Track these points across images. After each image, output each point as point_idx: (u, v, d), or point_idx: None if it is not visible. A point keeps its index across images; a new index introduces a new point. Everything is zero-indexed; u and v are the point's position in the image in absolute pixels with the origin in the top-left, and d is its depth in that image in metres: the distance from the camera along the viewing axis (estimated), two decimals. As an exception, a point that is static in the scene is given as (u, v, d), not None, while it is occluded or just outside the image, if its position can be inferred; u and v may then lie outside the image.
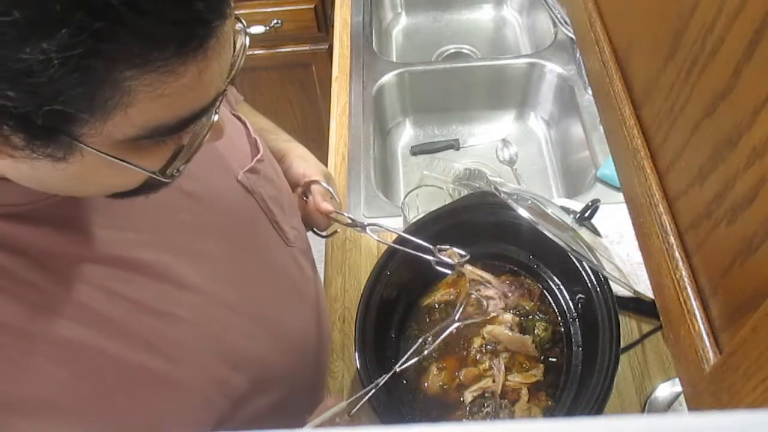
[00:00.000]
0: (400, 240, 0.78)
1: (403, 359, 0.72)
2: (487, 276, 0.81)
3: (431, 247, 0.74)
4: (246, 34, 0.45)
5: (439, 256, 0.73)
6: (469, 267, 0.76)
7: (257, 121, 0.86)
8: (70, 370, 0.47)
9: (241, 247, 0.65)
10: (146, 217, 0.54)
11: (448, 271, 0.74)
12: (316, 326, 0.81)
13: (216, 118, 0.44)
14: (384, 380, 0.69)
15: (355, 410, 0.67)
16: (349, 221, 0.78)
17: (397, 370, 0.71)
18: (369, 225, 0.76)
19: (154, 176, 0.42)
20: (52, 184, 0.42)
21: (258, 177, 0.69)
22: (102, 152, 0.38)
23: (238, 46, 0.44)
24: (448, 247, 0.75)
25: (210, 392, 0.58)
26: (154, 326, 0.53)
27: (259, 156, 0.70)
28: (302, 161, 0.83)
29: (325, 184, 0.80)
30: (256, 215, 0.69)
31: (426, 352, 0.72)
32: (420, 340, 0.73)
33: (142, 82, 0.35)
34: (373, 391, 0.67)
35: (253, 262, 0.67)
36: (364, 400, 0.67)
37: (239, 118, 0.73)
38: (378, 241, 0.77)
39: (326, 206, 0.78)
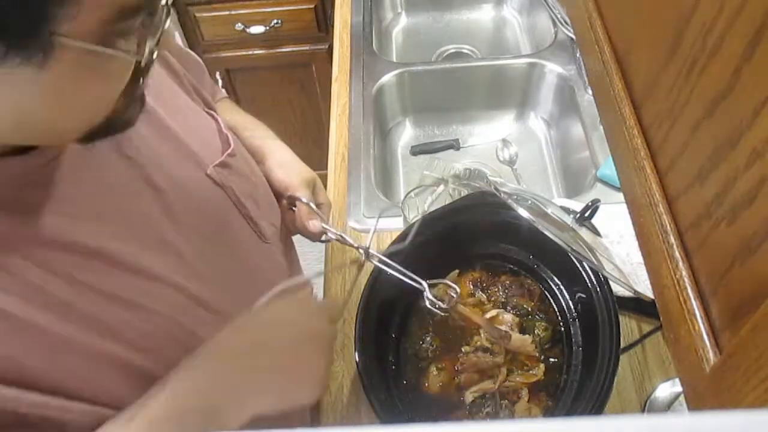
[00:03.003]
0: (390, 266, 0.76)
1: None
2: (477, 319, 0.81)
3: (423, 282, 0.73)
4: None
5: (430, 295, 0.73)
6: (459, 308, 0.77)
7: (233, 117, 0.84)
8: (22, 346, 0.46)
9: (212, 243, 0.64)
10: (111, 206, 0.54)
11: (438, 312, 0.75)
12: None
13: (167, 23, 0.45)
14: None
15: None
16: (339, 238, 0.77)
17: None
18: (359, 248, 0.73)
19: (130, 57, 0.43)
20: (31, 111, 0.42)
21: (229, 172, 0.68)
22: (78, 41, 0.39)
23: None
24: (440, 281, 0.76)
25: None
26: (120, 315, 0.52)
27: (229, 150, 0.69)
28: (283, 169, 0.81)
29: (306, 200, 0.78)
30: (228, 211, 0.68)
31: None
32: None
33: None
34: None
35: (226, 259, 0.66)
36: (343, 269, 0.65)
37: (212, 116, 0.73)
38: (369, 262, 0.74)
39: (314, 226, 0.77)
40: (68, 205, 0.50)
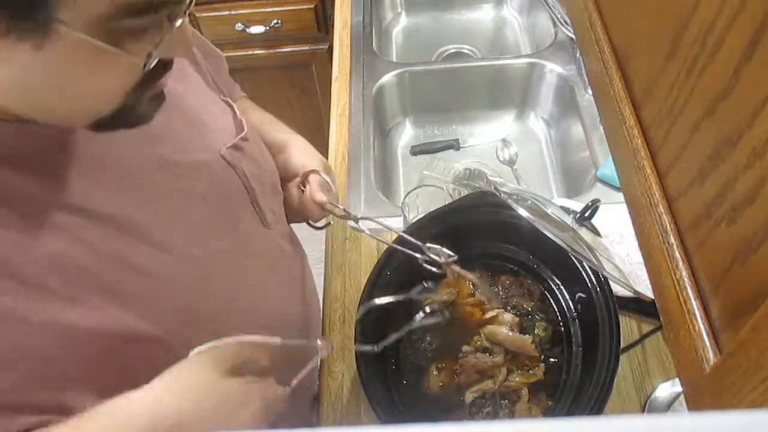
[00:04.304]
0: (392, 237, 0.78)
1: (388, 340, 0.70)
2: (472, 278, 0.81)
3: (420, 244, 0.74)
4: None
5: (428, 253, 0.73)
6: (456, 267, 0.76)
7: (256, 113, 0.88)
8: (34, 310, 0.47)
9: (220, 219, 0.66)
10: (125, 176, 0.55)
11: (435, 269, 0.75)
12: (300, 309, 0.82)
13: (181, 22, 0.45)
14: (326, 354, 0.65)
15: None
16: (343, 213, 0.79)
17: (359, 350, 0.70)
18: (361, 218, 0.77)
19: (131, 59, 0.43)
20: (34, 91, 0.43)
21: (241, 154, 0.70)
22: (77, 31, 0.39)
23: None
24: (437, 246, 0.75)
25: (184, 356, 0.58)
26: (128, 280, 0.53)
27: (243, 134, 0.71)
28: (302, 153, 0.84)
29: (323, 175, 0.81)
30: (236, 191, 0.70)
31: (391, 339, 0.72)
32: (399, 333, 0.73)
33: None
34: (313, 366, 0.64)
35: (232, 236, 0.68)
36: (294, 343, 0.62)
37: (228, 103, 0.75)
38: (369, 235, 0.77)
39: (320, 196, 0.79)
40: (89, 171, 0.52)
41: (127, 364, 0.54)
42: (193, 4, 0.46)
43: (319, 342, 0.63)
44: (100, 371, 0.52)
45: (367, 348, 0.71)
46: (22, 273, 0.47)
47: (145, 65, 0.44)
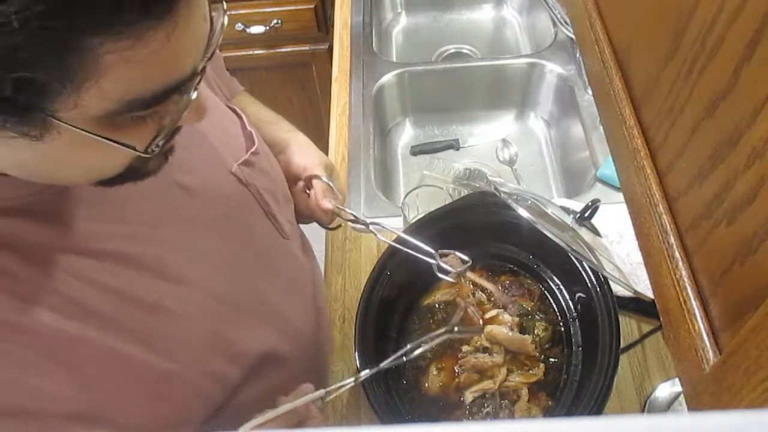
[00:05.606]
0: (402, 241, 0.77)
1: (391, 358, 0.69)
2: (488, 285, 0.80)
3: (433, 251, 0.73)
4: (225, 12, 0.44)
5: (440, 262, 0.72)
6: (470, 275, 0.75)
7: (258, 110, 0.86)
8: (58, 361, 0.47)
9: (237, 240, 0.65)
10: (139, 210, 0.54)
11: (450, 279, 0.73)
12: (314, 317, 0.82)
13: (195, 95, 0.43)
14: (367, 375, 0.67)
15: (329, 398, 0.64)
16: (352, 218, 0.78)
17: (383, 367, 0.68)
18: (371, 224, 0.76)
19: (133, 150, 0.41)
20: (35, 168, 0.42)
21: (252, 170, 0.69)
22: (78, 128, 0.37)
23: (217, 25, 0.43)
24: (450, 252, 0.74)
25: (204, 385, 0.58)
26: (145, 319, 0.53)
27: (254, 149, 0.69)
28: (303, 152, 0.82)
29: (325, 179, 0.79)
30: (252, 208, 0.69)
31: (414, 354, 0.70)
32: (410, 345, 0.71)
33: (108, 49, 0.34)
34: (351, 384, 0.65)
35: (250, 255, 0.67)
36: (341, 391, 0.65)
37: (235, 111, 0.73)
38: (380, 239, 0.77)
39: (326, 204, 0.77)
40: (95, 210, 0.51)
41: (145, 402, 0.53)
42: (203, 76, 0.43)
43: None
44: (120, 409, 0.51)
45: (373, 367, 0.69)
46: (38, 323, 0.46)
47: (153, 142, 0.43)
